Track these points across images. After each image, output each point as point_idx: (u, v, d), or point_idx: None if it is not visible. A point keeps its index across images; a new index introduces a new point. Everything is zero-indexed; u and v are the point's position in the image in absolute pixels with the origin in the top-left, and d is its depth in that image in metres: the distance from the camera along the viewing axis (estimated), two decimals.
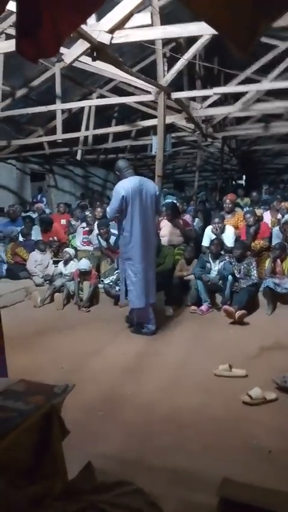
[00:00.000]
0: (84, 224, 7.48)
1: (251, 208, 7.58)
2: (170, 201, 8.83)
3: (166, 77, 6.07)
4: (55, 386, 1.56)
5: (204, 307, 5.53)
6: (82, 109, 9.51)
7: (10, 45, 5.09)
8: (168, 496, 2.15)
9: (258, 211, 6.96)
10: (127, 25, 4.00)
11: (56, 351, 4.34)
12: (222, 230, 6.12)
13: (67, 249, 6.78)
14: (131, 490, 1.22)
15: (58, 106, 8.23)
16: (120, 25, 3.94)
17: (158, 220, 6.59)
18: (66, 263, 6.57)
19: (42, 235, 7.70)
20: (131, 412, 3.07)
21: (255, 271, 5.45)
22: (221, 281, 5.52)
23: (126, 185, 4.54)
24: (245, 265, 5.48)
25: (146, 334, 4.77)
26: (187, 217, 7.37)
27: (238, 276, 5.47)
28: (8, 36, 6.27)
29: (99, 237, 6.76)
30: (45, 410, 1.45)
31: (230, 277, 5.40)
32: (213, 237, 6.06)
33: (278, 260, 5.50)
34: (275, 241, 6.04)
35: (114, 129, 10.01)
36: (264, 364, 3.80)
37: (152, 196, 4.66)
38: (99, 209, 7.46)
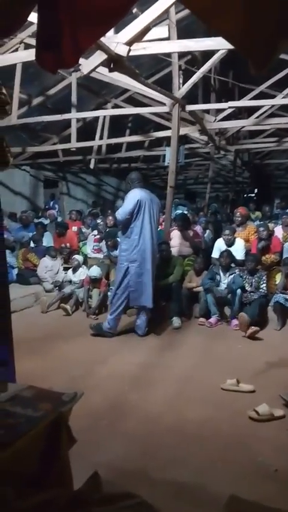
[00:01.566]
0: (95, 232, 7.53)
1: (264, 221, 7.54)
2: (181, 211, 8.86)
3: (181, 89, 6.12)
4: (64, 393, 1.57)
5: (213, 319, 5.50)
6: (97, 118, 9.62)
7: (28, 55, 5.18)
8: (171, 511, 2.13)
9: (269, 226, 6.92)
10: (145, 38, 4.05)
11: (63, 357, 4.35)
12: (232, 242, 6.10)
13: (76, 256, 6.82)
14: (137, 502, 1.21)
15: (73, 115, 8.35)
16: (138, 38, 4.00)
17: (168, 230, 6.62)
18: (75, 270, 6.59)
19: (56, 241, 7.77)
20: (135, 423, 3.06)
21: (264, 285, 5.41)
22: (230, 294, 5.49)
23: (142, 194, 4.91)
24: (256, 278, 5.45)
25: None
26: (198, 228, 7.37)
27: (249, 289, 5.43)
28: (27, 46, 6.39)
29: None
30: (54, 418, 1.45)
31: (238, 291, 5.37)
32: (223, 249, 6.03)
33: None
34: (286, 256, 6.00)
35: (127, 139, 10.11)
36: (272, 380, 3.75)
37: (157, 210, 5.08)
38: (110, 217, 7.50)
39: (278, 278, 5.58)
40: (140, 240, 4.87)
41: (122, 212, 4.93)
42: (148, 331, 5.11)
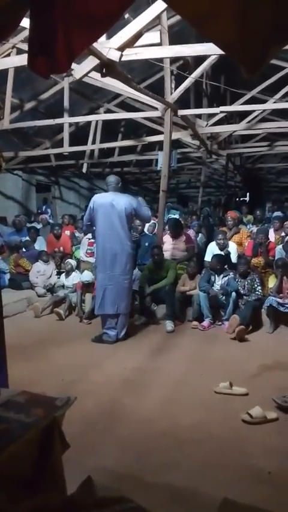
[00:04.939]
0: (89, 235, 7.51)
1: (262, 226, 7.57)
2: (173, 216, 8.87)
3: (173, 94, 6.16)
4: (57, 398, 1.56)
5: (206, 323, 5.50)
6: (89, 123, 9.64)
7: (21, 60, 5.18)
8: None
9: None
10: (137, 43, 4.08)
11: (57, 362, 4.33)
12: (225, 246, 6.13)
13: (69, 260, 6.80)
14: (131, 507, 1.21)
15: (66, 119, 8.34)
16: (130, 43, 4.02)
17: (161, 234, 6.63)
18: (67, 274, 6.58)
19: (49, 245, 7.75)
20: (129, 427, 3.05)
21: (259, 287, 5.43)
22: (224, 297, 5.50)
23: (97, 199, 4.94)
24: (249, 281, 5.47)
25: (107, 342, 4.90)
26: (191, 232, 7.39)
27: (242, 292, 5.45)
28: (19, 51, 6.39)
29: None
30: (47, 423, 1.44)
31: (233, 293, 5.38)
32: (216, 252, 6.05)
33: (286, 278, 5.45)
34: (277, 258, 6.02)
35: (120, 143, 10.12)
36: (265, 382, 3.77)
37: (122, 212, 4.84)
38: None
39: (271, 281, 5.59)
40: (96, 249, 5.00)
41: (84, 219, 5.18)
42: (141, 335, 5.10)
